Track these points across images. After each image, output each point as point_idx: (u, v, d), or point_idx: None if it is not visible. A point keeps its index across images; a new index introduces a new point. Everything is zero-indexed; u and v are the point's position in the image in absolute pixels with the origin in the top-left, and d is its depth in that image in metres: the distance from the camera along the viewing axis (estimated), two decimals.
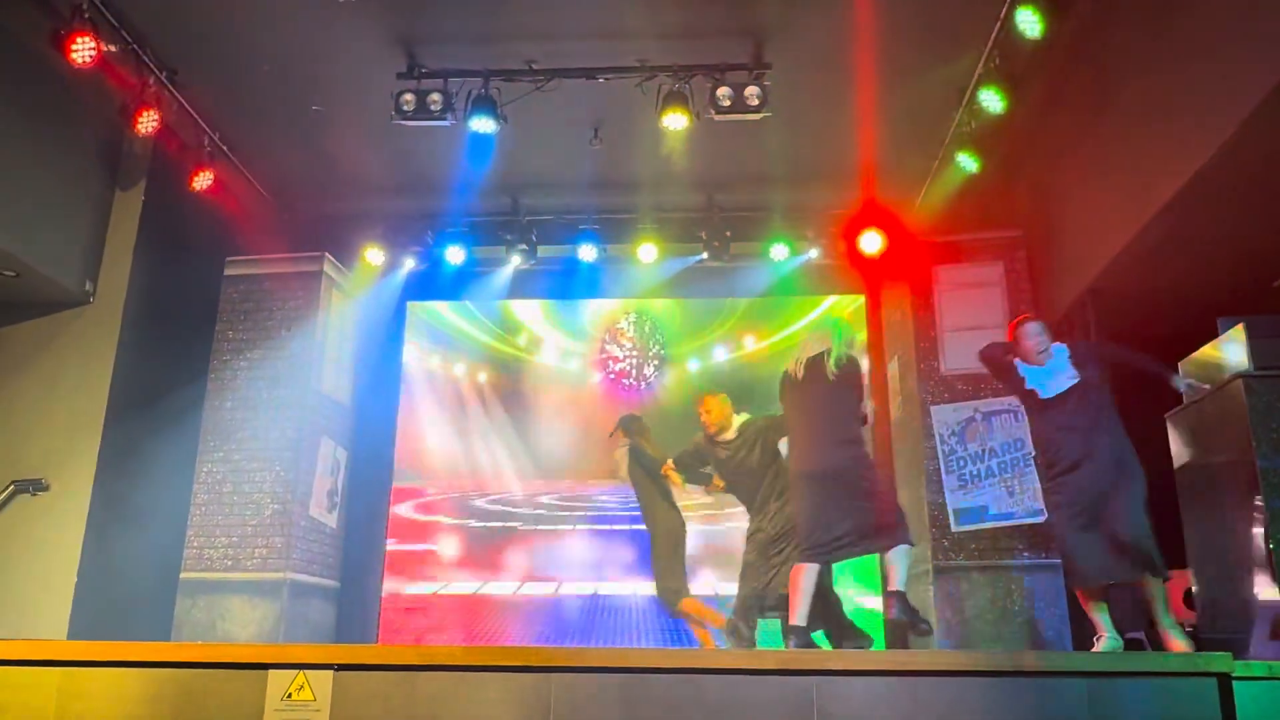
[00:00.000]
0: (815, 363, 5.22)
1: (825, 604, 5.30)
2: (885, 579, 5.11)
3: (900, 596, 4.94)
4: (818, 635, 5.33)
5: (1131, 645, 4.83)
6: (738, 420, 5.95)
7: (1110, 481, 4.67)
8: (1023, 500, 7.20)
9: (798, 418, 5.30)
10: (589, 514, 8.53)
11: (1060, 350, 4.98)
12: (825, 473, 5.01)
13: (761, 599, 5.64)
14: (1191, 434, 5.09)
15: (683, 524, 6.55)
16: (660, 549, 6.46)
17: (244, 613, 7.17)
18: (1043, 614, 6.93)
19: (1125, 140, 6.02)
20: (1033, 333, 4.99)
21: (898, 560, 4.96)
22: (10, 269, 6.44)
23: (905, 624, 5.01)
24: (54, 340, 6.92)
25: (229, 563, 7.31)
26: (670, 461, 6.34)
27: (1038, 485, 7.18)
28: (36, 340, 6.93)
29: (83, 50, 5.79)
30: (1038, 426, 5.04)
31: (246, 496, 7.47)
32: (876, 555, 5.32)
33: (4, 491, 6.50)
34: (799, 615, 4.94)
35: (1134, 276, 6.41)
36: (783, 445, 5.72)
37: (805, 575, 4.98)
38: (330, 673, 3.23)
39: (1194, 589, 5.09)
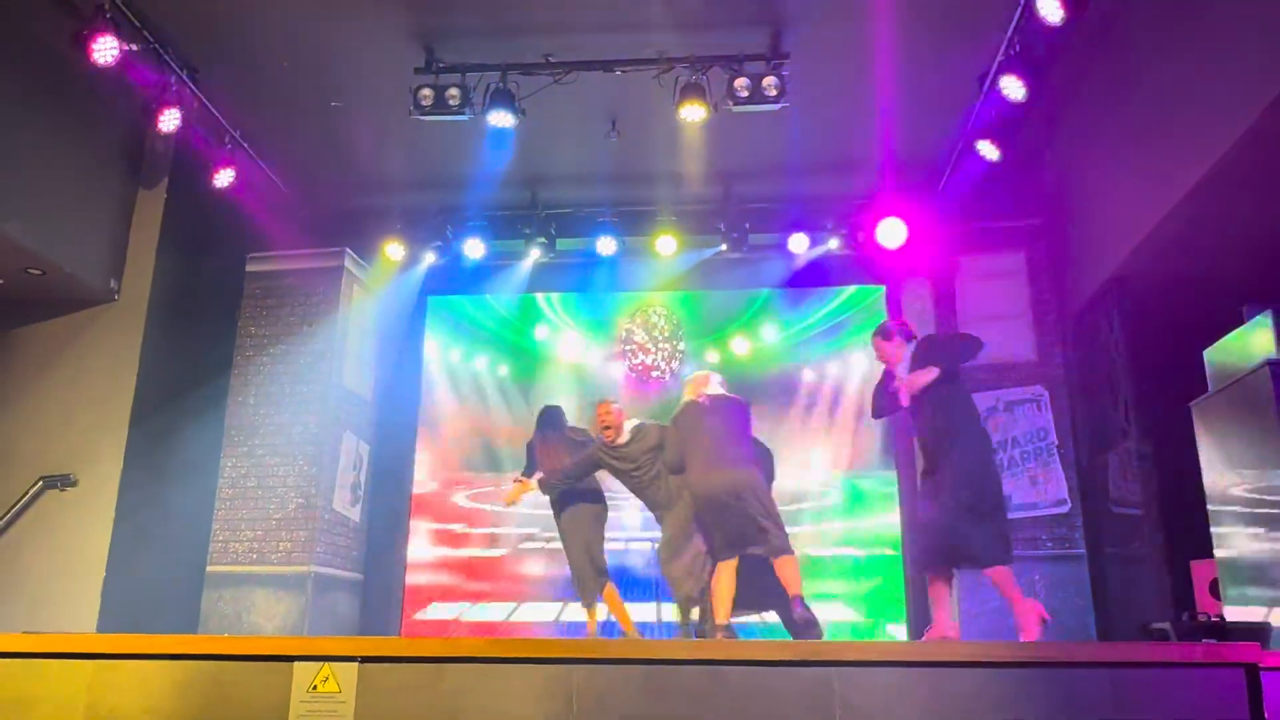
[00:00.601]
0: (719, 395, 5.69)
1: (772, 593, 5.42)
2: (786, 584, 5.24)
3: (801, 600, 5.17)
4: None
5: (1156, 636, 4.80)
6: (629, 424, 6.06)
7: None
8: (1046, 491, 7.16)
9: (705, 437, 5.51)
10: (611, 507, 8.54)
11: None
12: (739, 483, 5.30)
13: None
14: (1217, 421, 5.04)
15: (584, 521, 6.24)
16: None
17: (269, 606, 7.25)
18: (1066, 604, 6.89)
19: (1148, 126, 5.95)
20: (896, 352, 5.15)
21: (792, 566, 5.21)
22: (36, 267, 6.52)
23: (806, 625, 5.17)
24: (80, 337, 7.00)
25: (254, 556, 7.39)
26: (533, 481, 6.19)
27: (1061, 475, 7.15)
28: (63, 337, 7.02)
29: (104, 50, 5.84)
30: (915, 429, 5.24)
31: (270, 491, 7.54)
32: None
33: (33, 487, 6.60)
34: (724, 613, 5.20)
35: (1159, 264, 6.34)
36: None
37: (728, 573, 5.25)
38: (355, 665, 3.26)
39: (1220, 578, 5.05)
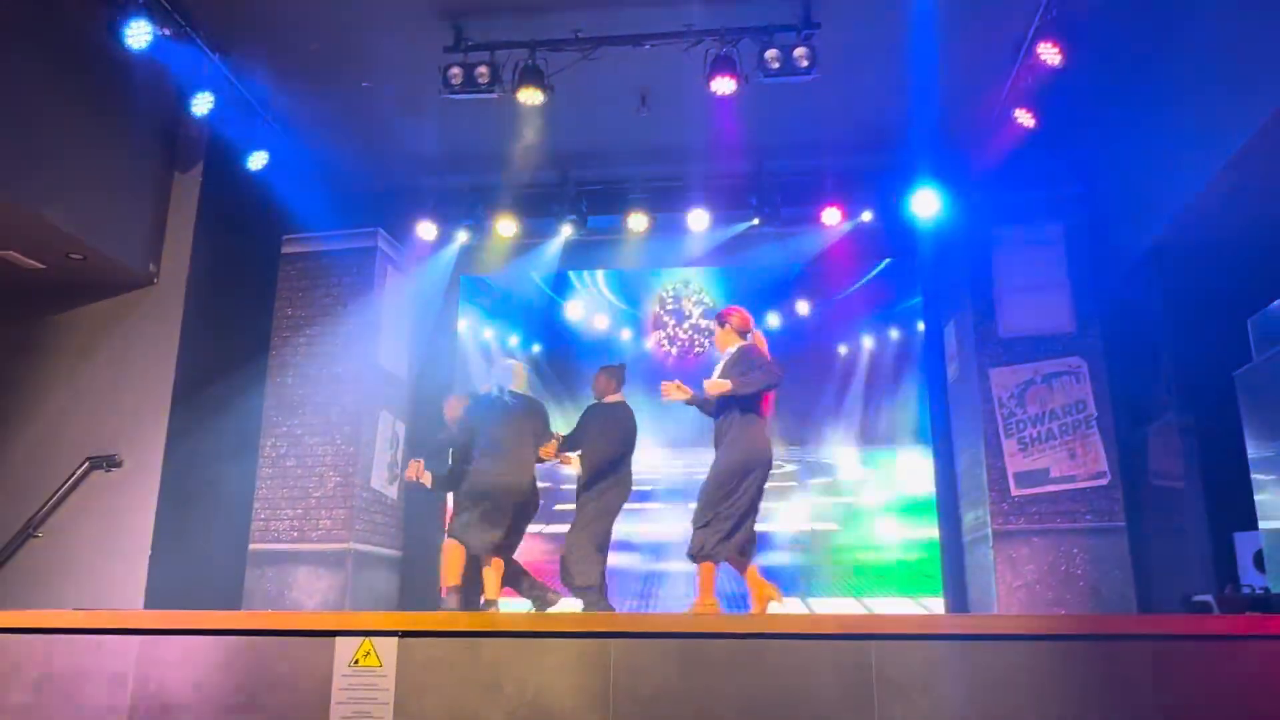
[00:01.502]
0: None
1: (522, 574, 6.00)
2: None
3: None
4: None
5: (1198, 609, 4.74)
6: None
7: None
8: (1085, 463, 7.08)
9: (518, 435, 5.79)
10: (641, 486, 8.54)
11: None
12: (530, 489, 5.85)
13: None
14: (1260, 392, 4.95)
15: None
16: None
17: (310, 582, 7.36)
18: (1106, 578, 6.82)
19: (1190, 92, 5.82)
20: (723, 340, 5.39)
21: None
22: (77, 252, 6.63)
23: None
24: (121, 321, 7.12)
25: (295, 534, 7.50)
26: (427, 473, 6.36)
27: (1101, 448, 7.06)
28: (105, 321, 7.13)
29: (138, 35, 5.93)
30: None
31: (310, 470, 7.64)
32: None
33: (80, 468, 6.73)
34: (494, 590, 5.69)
35: (1200, 231, 6.21)
36: None
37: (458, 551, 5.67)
38: (395, 639, 3.31)
39: (1265, 550, 4.97)
